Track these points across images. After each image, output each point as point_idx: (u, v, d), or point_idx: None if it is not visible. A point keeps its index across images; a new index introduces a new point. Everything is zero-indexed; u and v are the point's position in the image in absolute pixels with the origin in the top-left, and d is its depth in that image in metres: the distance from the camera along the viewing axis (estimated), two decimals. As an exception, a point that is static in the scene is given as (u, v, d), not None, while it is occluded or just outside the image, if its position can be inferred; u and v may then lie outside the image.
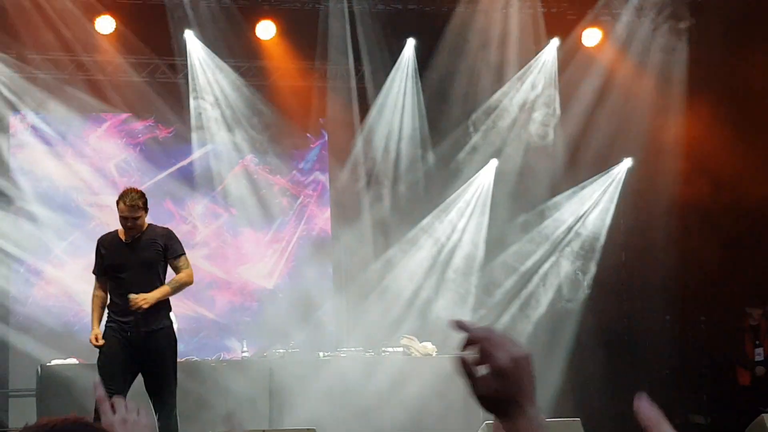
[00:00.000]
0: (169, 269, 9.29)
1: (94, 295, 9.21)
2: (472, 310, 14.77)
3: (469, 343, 1.87)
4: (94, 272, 9.30)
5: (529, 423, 1.86)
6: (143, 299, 8.91)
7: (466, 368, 1.87)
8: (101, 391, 2.76)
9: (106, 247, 9.18)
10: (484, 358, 1.86)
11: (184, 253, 9.31)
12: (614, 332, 15.07)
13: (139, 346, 9.00)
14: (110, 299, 9.15)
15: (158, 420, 8.85)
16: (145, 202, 9.15)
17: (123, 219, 9.05)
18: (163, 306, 9.14)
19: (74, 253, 13.99)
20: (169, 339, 9.25)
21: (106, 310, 9.17)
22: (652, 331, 14.88)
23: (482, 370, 1.87)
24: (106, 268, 9.13)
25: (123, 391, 8.70)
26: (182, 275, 9.22)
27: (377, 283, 14.79)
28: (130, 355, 8.99)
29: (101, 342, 9.00)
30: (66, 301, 14.07)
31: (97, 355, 9.13)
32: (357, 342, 13.38)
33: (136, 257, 9.08)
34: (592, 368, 14.52)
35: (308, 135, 15.38)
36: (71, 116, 14.36)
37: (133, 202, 9.04)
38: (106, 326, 9.14)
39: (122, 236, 9.16)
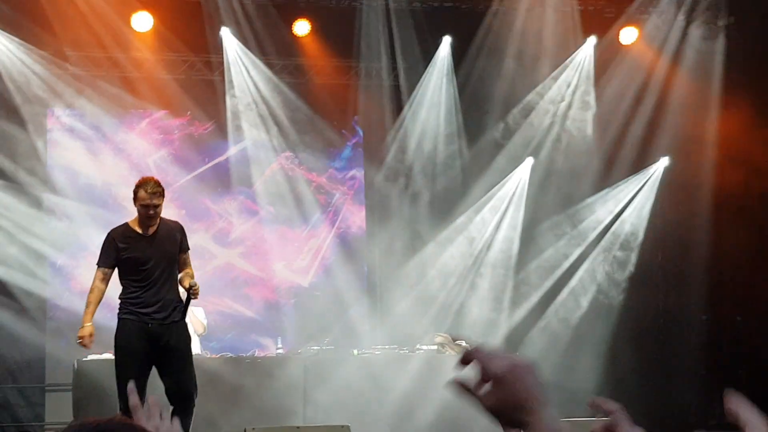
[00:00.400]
0: None
1: (94, 287, 9.01)
2: (508, 309, 14.74)
3: (463, 361, 1.89)
4: (99, 264, 9.07)
5: (545, 428, 1.85)
6: (198, 285, 8.94)
7: (465, 388, 1.88)
8: (135, 399, 2.71)
9: (124, 240, 9.03)
10: (483, 372, 1.87)
11: (189, 249, 9.33)
12: (651, 331, 14.99)
13: (159, 339, 8.91)
14: (128, 291, 9.02)
15: (180, 413, 8.54)
16: (164, 191, 9.13)
17: (144, 207, 8.94)
18: (179, 298, 9.11)
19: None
20: (187, 330, 9.23)
21: (121, 302, 9.04)
22: (688, 330, 14.79)
23: (486, 387, 1.88)
24: (126, 260, 8.97)
25: (143, 387, 8.67)
26: (192, 271, 9.20)
27: (412, 281, 14.78)
28: (149, 348, 8.89)
29: (91, 343, 8.95)
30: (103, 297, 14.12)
31: (114, 347, 9.05)
32: (391, 340, 13.37)
33: (159, 250, 8.99)
34: (629, 367, 14.46)
35: (343, 132, 15.39)
36: (107, 113, 14.41)
37: (154, 190, 8.98)
38: (122, 319, 9.02)
39: (138, 228, 9.05)
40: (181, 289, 9.76)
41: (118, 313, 9.06)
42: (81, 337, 9.01)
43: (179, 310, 9.05)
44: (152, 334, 8.90)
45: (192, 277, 9.09)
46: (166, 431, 2.68)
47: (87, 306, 9.06)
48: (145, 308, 8.91)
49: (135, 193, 9.06)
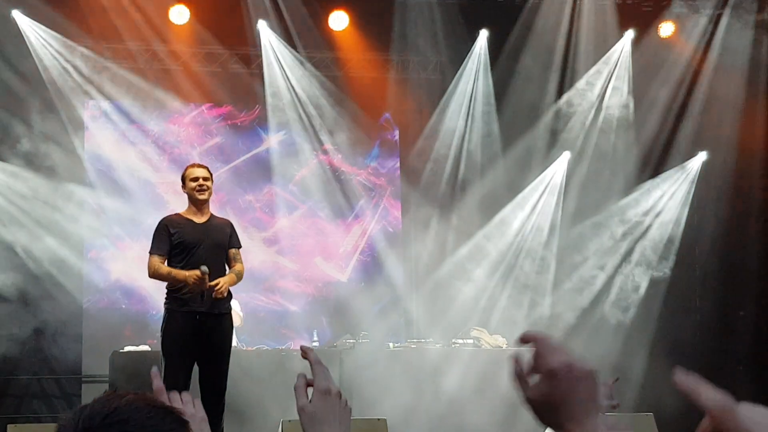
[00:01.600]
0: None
1: (159, 265, 8.95)
2: (550, 306, 14.68)
3: (524, 340, 1.80)
4: (153, 251, 9.02)
5: None
6: (224, 285, 8.91)
7: (518, 367, 1.79)
8: (159, 382, 2.72)
9: (176, 226, 9.04)
10: (537, 360, 1.78)
11: (241, 247, 9.32)
12: (688, 328, 14.90)
13: (205, 330, 8.89)
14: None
15: (211, 405, 8.54)
16: (212, 174, 9.23)
17: (194, 181, 9.00)
18: (229, 291, 9.11)
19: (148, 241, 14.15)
20: (232, 324, 9.23)
21: (168, 293, 9.01)
22: (726, 326, 14.71)
23: (535, 378, 1.78)
24: (177, 245, 8.96)
25: (188, 376, 8.74)
26: (241, 267, 9.18)
27: (449, 275, 14.75)
28: (195, 339, 8.87)
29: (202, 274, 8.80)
30: (139, 289, 14.20)
31: (162, 338, 8.99)
32: (428, 334, 13.37)
33: (209, 237, 9.00)
34: (669, 363, 14.38)
35: (381, 126, 15.37)
36: (144, 106, 14.47)
37: (202, 166, 9.15)
38: (169, 309, 8.99)
39: (191, 217, 9.08)
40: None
41: (165, 304, 9.04)
42: (195, 278, 8.78)
43: (227, 301, 9.03)
44: (199, 324, 8.87)
45: (240, 273, 9.12)
46: (190, 415, 2.68)
47: (169, 273, 8.92)
48: (194, 299, 8.88)
49: (183, 175, 9.14)
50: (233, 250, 9.17)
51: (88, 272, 14.09)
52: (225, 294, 8.94)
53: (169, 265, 8.99)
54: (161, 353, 8.99)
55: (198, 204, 9.10)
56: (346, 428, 2.35)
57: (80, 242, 14.03)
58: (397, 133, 15.45)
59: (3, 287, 13.36)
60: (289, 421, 9.23)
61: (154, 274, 9.01)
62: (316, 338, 13.14)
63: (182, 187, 9.18)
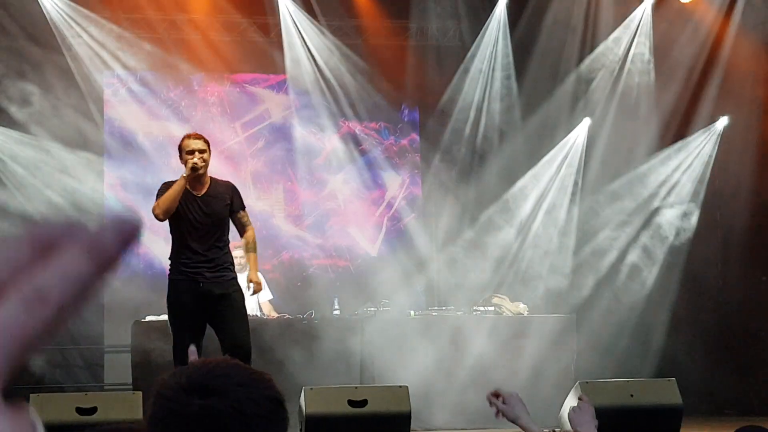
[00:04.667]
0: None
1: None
2: (569, 273, 14.66)
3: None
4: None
5: None
6: (258, 282, 8.98)
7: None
8: (195, 359, 2.73)
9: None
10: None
11: (245, 207, 9.16)
12: (710, 295, 14.85)
13: (210, 295, 8.77)
14: (179, 252, 8.89)
15: None
16: (209, 143, 8.95)
17: (190, 153, 8.73)
18: (230, 260, 8.99)
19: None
20: (239, 285, 9.05)
21: (171, 263, 8.92)
22: (747, 292, 14.66)
23: None
24: (176, 219, 8.79)
25: (199, 347, 8.55)
26: (251, 232, 9.08)
27: (470, 243, 14.73)
28: (202, 306, 8.75)
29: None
30: (160, 258, 14.25)
31: (167, 309, 8.93)
32: (449, 302, 13.37)
33: (209, 212, 8.81)
34: (691, 330, 14.36)
35: (401, 95, 15.31)
36: (163, 76, 14.48)
37: (199, 136, 8.92)
38: (172, 279, 8.89)
39: (189, 187, 8.80)
40: (238, 252, 9.79)
41: (169, 275, 8.96)
42: (188, 168, 8.71)
43: (230, 270, 8.96)
44: (204, 292, 8.75)
45: (255, 244, 9.08)
46: None
47: (168, 193, 8.74)
48: (196, 268, 8.77)
49: (179, 146, 8.91)
50: (239, 214, 9.00)
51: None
52: (261, 286, 9.01)
53: (173, 241, 8.92)
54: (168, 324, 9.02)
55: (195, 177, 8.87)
56: None
57: (100, 212, 14.07)
58: (417, 101, 15.39)
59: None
60: (311, 388, 9.24)
61: (159, 207, 8.74)
62: (336, 306, 13.14)
63: (179, 158, 8.93)
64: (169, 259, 9.02)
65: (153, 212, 8.77)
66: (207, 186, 8.92)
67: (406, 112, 15.42)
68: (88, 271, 0.83)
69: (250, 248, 9.10)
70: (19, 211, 13.46)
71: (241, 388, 2.14)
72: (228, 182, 9.20)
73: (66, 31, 13.87)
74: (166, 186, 8.83)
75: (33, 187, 13.77)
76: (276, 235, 14.72)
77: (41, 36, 13.73)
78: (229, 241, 9.08)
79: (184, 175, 8.67)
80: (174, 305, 8.86)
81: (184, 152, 8.81)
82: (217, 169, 10.24)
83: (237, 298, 8.94)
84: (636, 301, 14.46)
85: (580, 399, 4.60)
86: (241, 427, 2.11)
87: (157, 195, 8.85)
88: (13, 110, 13.60)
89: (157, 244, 14.11)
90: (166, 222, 8.95)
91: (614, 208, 14.87)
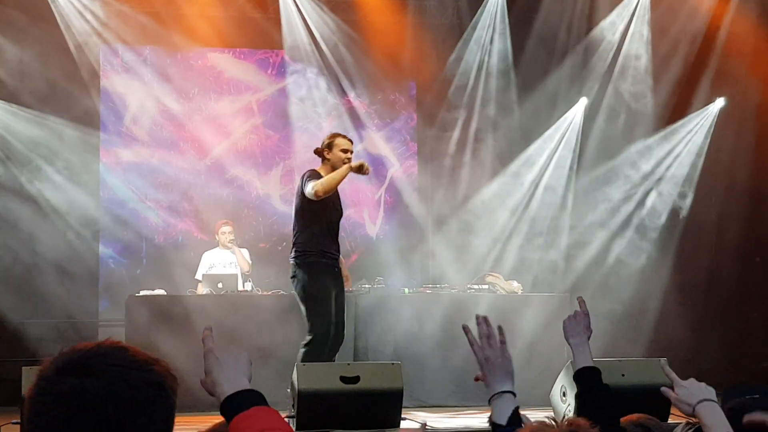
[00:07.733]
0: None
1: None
2: (565, 249, 14.69)
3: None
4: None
5: None
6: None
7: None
8: (210, 344, 2.79)
9: None
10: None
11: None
12: (703, 275, 14.88)
13: (340, 278, 9.87)
14: (320, 237, 9.64)
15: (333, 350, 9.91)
16: None
17: (345, 152, 9.64)
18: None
19: (164, 188, 14.23)
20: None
21: (308, 248, 9.63)
22: (741, 272, 14.71)
23: None
24: (326, 201, 9.56)
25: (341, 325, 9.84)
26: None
27: (465, 222, 14.74)
28: (338, 288, 9.87)
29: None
30: (153, 233, 14.26)
31: (313, 291, 9.63)
32: (444, 280, 13.37)
33: (341, 206, 9.97)
34: (684, 310, 14.39)
35: (399, 72, 15.27)
36: (161, 51, 14.44)
37: (352, 141, 9.95)
38: (314, 262, 9.63)
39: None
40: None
41: (310, 258, 9.63)
42: (358, 164, 9.49)
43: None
44: (337, 273, 9.78)
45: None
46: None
47: (331, 176, 9.49)
48: (335, 253, 9.75)
49: (333, 141, 9.66)
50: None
51: (103, 218, 14.13)
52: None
53: (313, 225, 9.61)
54: (307, 302, 9.68)
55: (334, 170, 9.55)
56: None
57: (95, 187, 14.06)
58: (415, 77, 15.35)
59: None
60: (304, 365, 9.25)
61: (323, 188, 9.39)
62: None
63: (326, 150, 9.67)
64: (299, 243, 9.67)
65: (314, 189, 9.38)
66: None
67: (404, 89, 15.38)
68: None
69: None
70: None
71: (116, 368, 2.12)
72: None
73: (62, 2, 13.82)
74: (314, 172, 9.59)
75: (24, 158, 13.78)
76: (272, 212, 14.71)
77: (34, 7, 13.67)
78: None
79: (352, 166, 9.41)
80: (321, 287, 9.65)
81: (338, 148, 9.63)
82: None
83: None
84: (629, 281, 14.49)
85: (579, 303, 4.56)
86: (114, 409, 2.08)
87: (310, 177, 9.48)
88: (8, 81, 13.62)
89: (150, 219, 14.13)
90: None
91: (610, 187, 14.88)
